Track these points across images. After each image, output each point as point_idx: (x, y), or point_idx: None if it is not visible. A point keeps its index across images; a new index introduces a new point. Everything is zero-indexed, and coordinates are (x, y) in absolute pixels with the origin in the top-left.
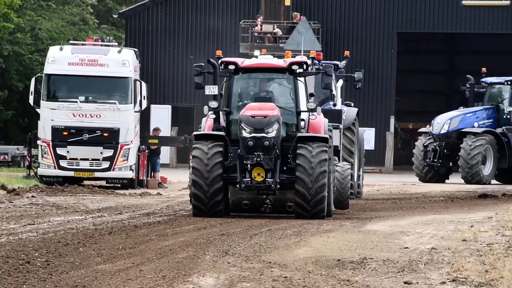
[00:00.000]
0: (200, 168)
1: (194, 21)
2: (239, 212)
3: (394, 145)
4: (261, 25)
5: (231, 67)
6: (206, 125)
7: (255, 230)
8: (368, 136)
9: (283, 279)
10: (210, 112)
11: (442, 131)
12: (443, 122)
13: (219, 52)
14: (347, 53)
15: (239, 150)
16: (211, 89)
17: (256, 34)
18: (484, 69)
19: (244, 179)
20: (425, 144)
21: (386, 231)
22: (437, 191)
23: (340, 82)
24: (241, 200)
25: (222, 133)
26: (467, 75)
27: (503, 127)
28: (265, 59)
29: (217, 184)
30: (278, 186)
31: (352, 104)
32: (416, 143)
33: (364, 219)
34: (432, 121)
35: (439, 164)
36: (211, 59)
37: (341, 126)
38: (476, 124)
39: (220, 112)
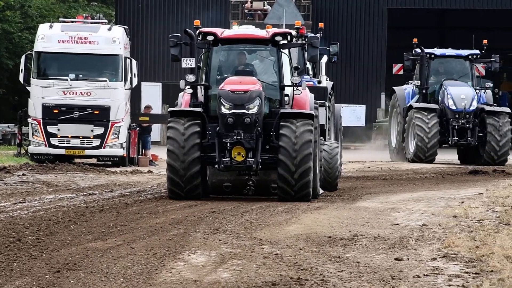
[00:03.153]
0: (175, 150)
1: None
2: (220, 194)
3: None
4: (251, 2)
5: (210, 38)
6: (183, 100)
7: (246, 208)
8: (359, 113)
9: (274, 256)
10: (187, 87)
11: (472, 107)
12: (470, 98)
13: (197, 22)
14: (321, 25)
15: (218, 128)
16: (188, 62)
17: (246, 11)
18: (415, 40)
19: (223, 159)
20: (449, 121)
21: (377, 208)
22: (428, 167)
23: (325, 58)
24: (222, 182)
25: (199, 109)
26: (419, 47)
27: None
28: (246, 29)
29: (194, 168)
30: (260, 166)
31: (328, 79)
32: (418, 121)
33: (354, 196)
34: (449, 96)
35: (476, 143)
36: (188, 30)
37: (327, 103)
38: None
39: (198, 87)
